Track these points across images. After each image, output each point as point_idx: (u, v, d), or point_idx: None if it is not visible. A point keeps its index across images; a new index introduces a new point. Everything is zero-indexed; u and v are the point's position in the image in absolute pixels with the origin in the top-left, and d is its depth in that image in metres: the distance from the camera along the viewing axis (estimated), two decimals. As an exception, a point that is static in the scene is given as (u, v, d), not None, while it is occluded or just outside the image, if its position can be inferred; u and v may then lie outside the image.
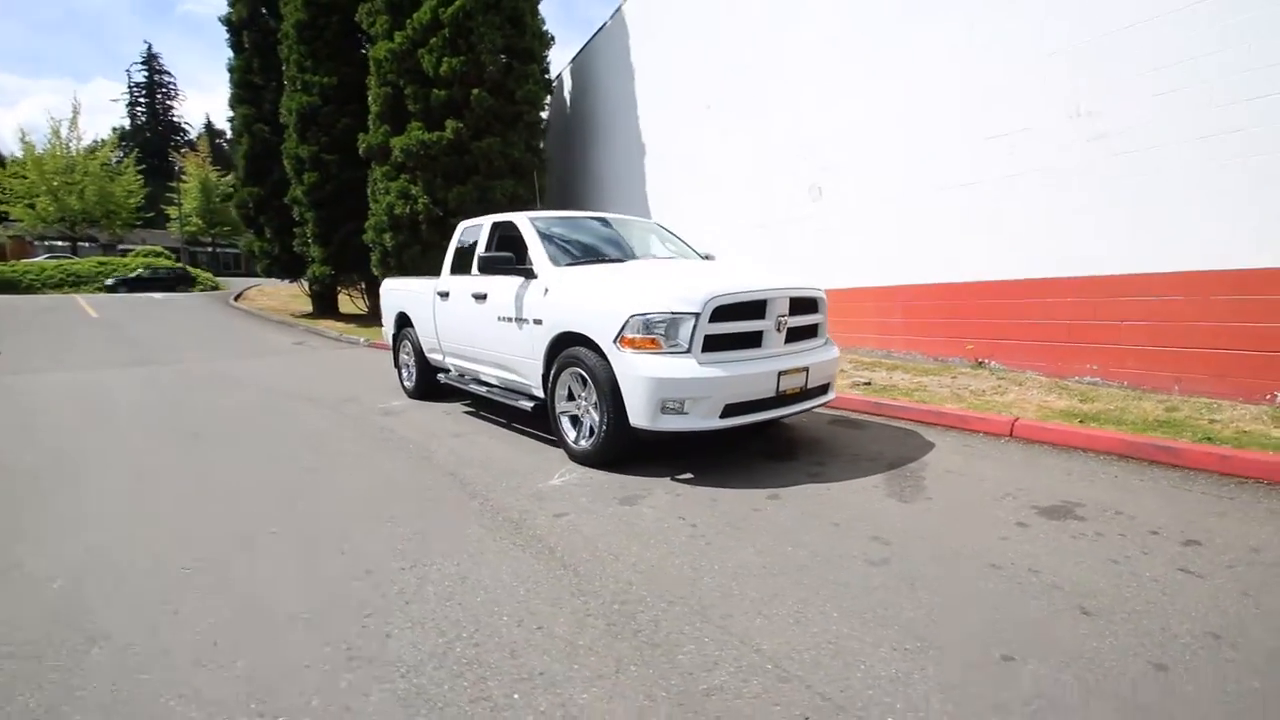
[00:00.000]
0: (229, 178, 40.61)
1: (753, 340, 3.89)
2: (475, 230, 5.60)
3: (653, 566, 2.64)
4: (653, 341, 3.66)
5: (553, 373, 4.28)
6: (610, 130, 12.75)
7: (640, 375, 3.62)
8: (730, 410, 3.70)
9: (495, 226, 5.34)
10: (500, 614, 2.28)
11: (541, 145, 13.34)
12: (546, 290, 4.34)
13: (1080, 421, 4.52)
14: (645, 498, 3.47)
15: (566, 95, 14.74)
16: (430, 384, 6.52)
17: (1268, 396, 4.56)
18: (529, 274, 4.59)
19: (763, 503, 3.34)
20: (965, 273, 6.46)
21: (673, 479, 3.76)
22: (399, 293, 6.87)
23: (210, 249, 45.24)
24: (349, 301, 17.35)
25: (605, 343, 3.80)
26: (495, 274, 4.82)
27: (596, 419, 3.96)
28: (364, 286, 15.94)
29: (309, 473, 4.10)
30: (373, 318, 15.33)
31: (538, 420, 5.22)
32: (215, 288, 29.99)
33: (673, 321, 3.64)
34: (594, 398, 3.99)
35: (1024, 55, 5.87)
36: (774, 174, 8.67)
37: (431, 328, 6.04)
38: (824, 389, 4.30)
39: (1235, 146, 4.63)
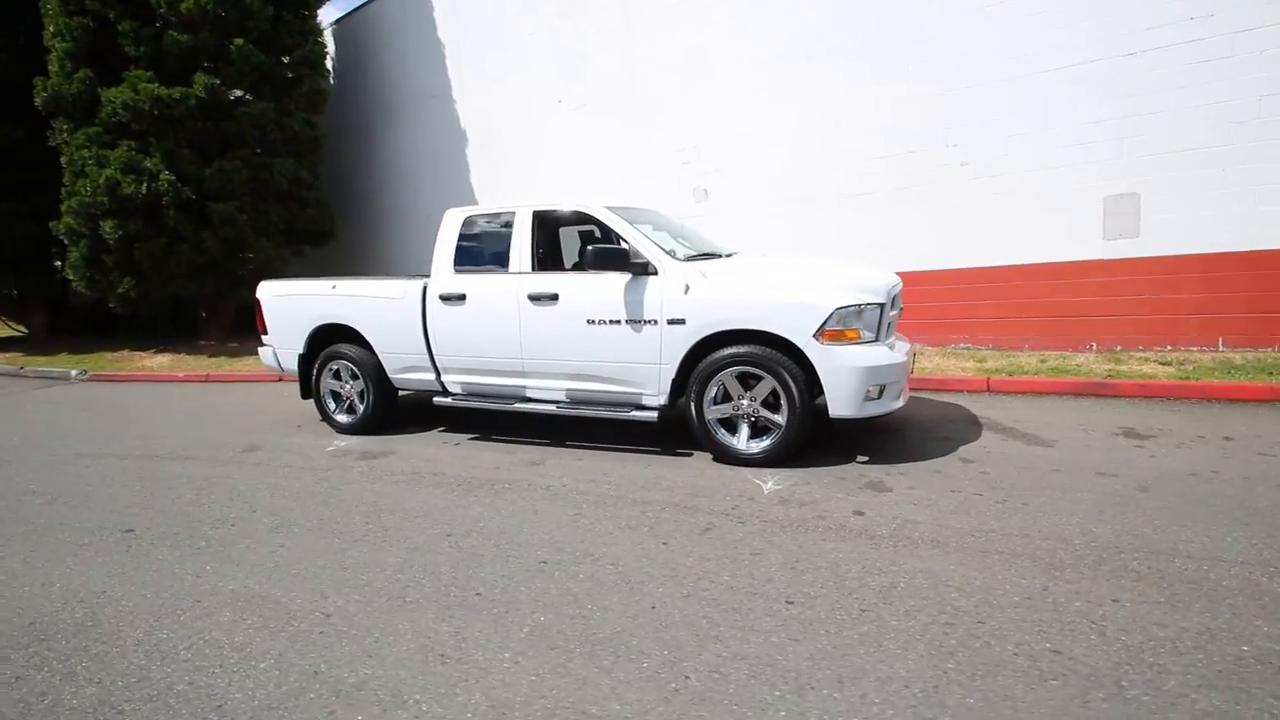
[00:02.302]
0: None
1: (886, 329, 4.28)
2: (495, 220, 4.71)
3: (1053, 535, 2.84)
4: (854, 333, 3.77)
5: (695, 375, 4.00)
6: (412, 110, 11.29)
7: (852, 366, 3.70)
8: (903, 392, 4.04)
9: (537, 216, 4.58)
10: (1034, 618, 2.29)
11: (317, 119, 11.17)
12: (688, 287, 4.00)
13: (1009, 374, 6.03)
14: (884, 483, 3.60)
15: (329, 63, 12.45)
16: (388, 413, 5.24)
17: (1088, 346, 6.73)
18: (642, 269, 4.14)
19: (967, 468, 3.78)
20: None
21: (857, 462, 3.95)
22: (322, 299, 5.26)
23: None
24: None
25: (802, 337, 3.75)
26: (592, 270, 4.19)
27: (777, 418, 3.87)
28: (19, 296, 11.07)
29: (494, 543, 3.10)
30: (57, 342, 10.73)
31: (596, 430, 4.66)
32: None
33: (870, 312, 3.81)
34: (762, 396, 3.91)
35: (911, 96, 7.33)
36: (650, 176, 8.94)
37: (416, 340, 4.85)
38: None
39: (1055, 177, 6.67)
